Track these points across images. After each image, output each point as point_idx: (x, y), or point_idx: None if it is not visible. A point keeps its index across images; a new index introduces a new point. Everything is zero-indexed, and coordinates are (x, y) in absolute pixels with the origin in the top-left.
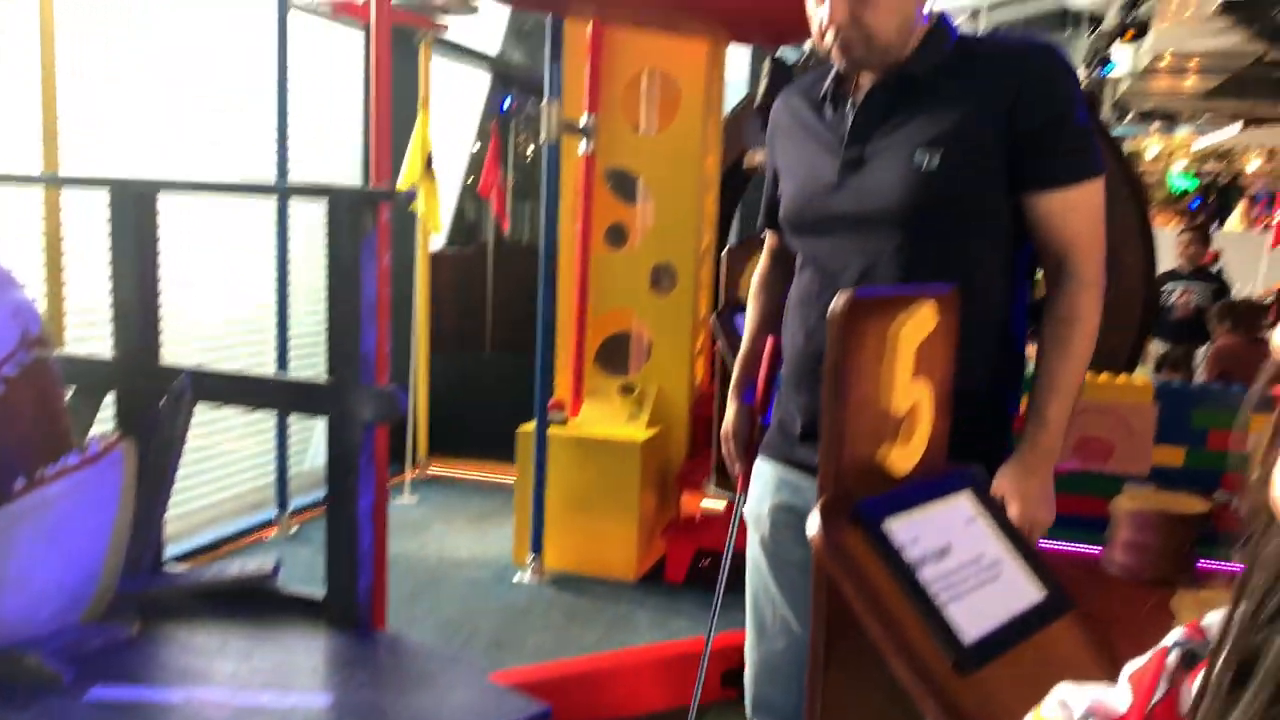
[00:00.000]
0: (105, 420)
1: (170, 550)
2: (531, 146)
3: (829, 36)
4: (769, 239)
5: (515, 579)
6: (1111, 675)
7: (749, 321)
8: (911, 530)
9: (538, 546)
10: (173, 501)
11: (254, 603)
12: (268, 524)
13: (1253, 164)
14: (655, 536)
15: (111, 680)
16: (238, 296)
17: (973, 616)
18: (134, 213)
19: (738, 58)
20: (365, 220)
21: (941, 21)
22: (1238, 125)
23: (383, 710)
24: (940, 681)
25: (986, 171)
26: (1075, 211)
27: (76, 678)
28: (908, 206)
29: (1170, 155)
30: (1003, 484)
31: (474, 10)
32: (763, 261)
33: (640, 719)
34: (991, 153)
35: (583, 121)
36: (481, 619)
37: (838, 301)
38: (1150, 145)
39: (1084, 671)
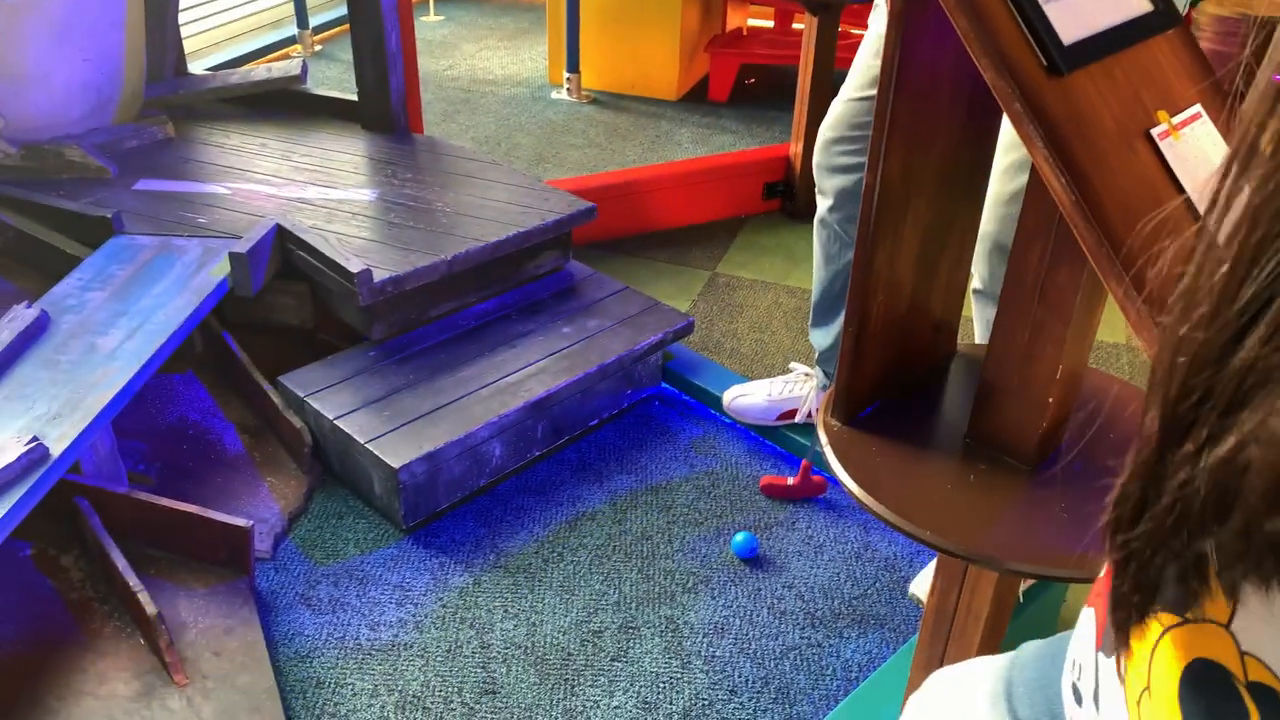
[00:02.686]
0: None
1: (192, 68)
2: None
3: None
4: None
5: (553, 96)
6: (1205, 100)
7: None
8: None
9: (574, 65)
10: (190, 19)
11: (286, 106)
12: (290, 41)
13: None
14: (698, 53)
15: (154, 175)
16: None
17: (1072, 18)
18: None
19: None
20: None
21: None
22: None
23: (429, 202)
24: (1029, 83)
25: None
26: None
27: (121, 172)
28: None
29: None
30: None
31: None
32: None
33: (682, 230)
34: None
35: None
36: (520, 135)
37: None
38: None
39: (1178, 93)
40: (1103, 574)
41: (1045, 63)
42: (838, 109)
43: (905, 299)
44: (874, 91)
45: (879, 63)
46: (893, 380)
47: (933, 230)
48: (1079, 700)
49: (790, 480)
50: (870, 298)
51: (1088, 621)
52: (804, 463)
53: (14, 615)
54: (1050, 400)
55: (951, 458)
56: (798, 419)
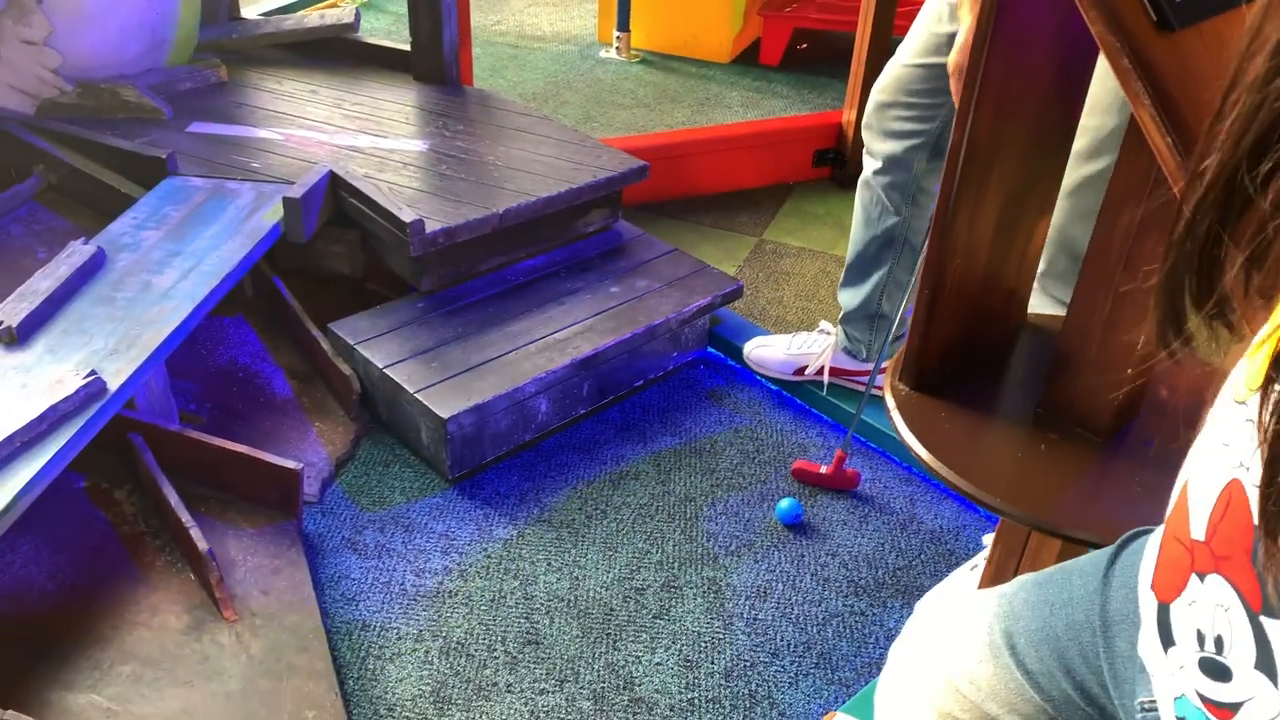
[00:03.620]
0: None
1: (245, 13)
2: None
3: None
4: None
5: (601, 55)
6: None
7: None
8: None
9: (624, 24)
10: None
11: (337, 54)
12: None
13: None
14: (751, 16)
15: (208, 118)
16: None
17: None
18: None
19: None
20: None
21: None
22: None
23: (480, 154)
24: (1138, 38)
25: None
26: None
27: (175, 114)
28: None
29: None
30: None
31: None
32: None
33: (729, 195)
34: None
35: None
36: (568, 93)
37: None
38: None
39: None
40: (1204, 537)
41: (1155, 18)
42: (894, 72)
43: (982, 264)
44: (934, 59)
45: (942, 30)
46: (963, 347)
47: (1015, 194)
48: (1224, 677)
49: (824, 469)
50: (948, 261)
51: (1221, 591)
52: (838, 453)
53: (69, 546)
54: (1129, 372)
55: (1021, 426)
56: (808, 374)
